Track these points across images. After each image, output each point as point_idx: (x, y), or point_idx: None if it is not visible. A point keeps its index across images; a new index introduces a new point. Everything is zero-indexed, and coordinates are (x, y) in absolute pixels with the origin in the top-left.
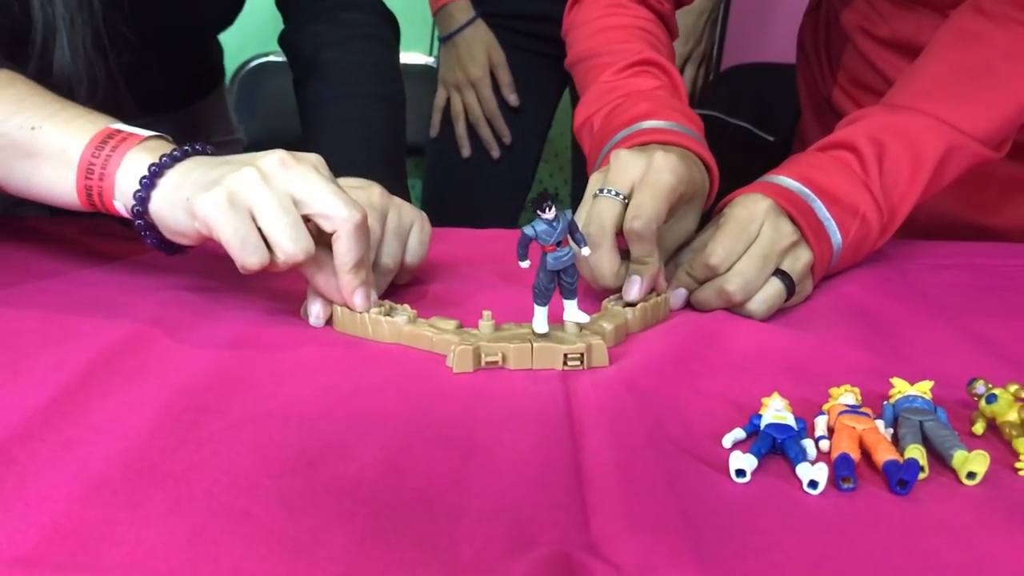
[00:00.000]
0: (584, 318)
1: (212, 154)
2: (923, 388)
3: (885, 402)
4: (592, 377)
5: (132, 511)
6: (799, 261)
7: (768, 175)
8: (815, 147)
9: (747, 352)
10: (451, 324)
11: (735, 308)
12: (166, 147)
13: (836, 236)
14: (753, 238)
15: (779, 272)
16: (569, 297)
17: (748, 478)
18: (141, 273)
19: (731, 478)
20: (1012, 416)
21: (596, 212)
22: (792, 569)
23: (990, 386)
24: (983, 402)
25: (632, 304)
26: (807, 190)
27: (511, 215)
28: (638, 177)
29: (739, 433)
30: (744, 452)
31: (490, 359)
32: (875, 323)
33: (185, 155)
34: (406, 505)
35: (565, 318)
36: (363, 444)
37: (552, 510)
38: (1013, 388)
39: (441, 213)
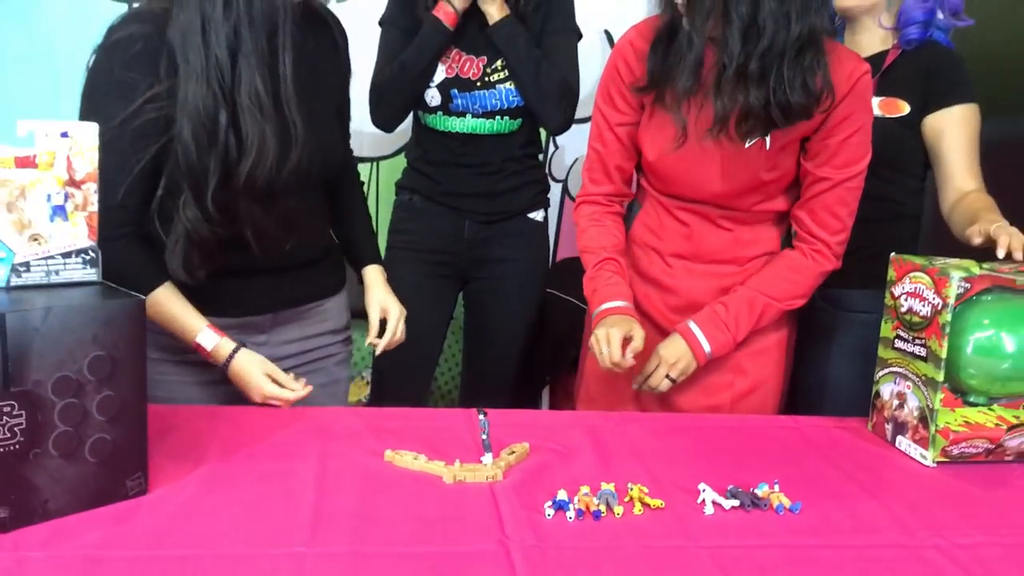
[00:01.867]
0: (490, 460)
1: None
2: (610, 486)
3: (599, 490)
4: (496, 484)
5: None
6: (680, 373)
7: (688, 321)
8: (712, 304)
9: (555, 474)
10: (441, 463)
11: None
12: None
13: (708, 349)
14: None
15: (669, 377)
16: (487, 451)
17: (551, 516)
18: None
19: (545, 515)
20: (635, 493)
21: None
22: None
23: (632, 485)
24: (630, 490)
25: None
26: (700, 331)
27: (422, 388)
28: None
29: (550, 503)
30: (551, 507)
31: (459, 478)
32: (612, 457)
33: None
34: (418, 537)
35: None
36: (406, 520)
37: (481, 529)
38: (638, 486)
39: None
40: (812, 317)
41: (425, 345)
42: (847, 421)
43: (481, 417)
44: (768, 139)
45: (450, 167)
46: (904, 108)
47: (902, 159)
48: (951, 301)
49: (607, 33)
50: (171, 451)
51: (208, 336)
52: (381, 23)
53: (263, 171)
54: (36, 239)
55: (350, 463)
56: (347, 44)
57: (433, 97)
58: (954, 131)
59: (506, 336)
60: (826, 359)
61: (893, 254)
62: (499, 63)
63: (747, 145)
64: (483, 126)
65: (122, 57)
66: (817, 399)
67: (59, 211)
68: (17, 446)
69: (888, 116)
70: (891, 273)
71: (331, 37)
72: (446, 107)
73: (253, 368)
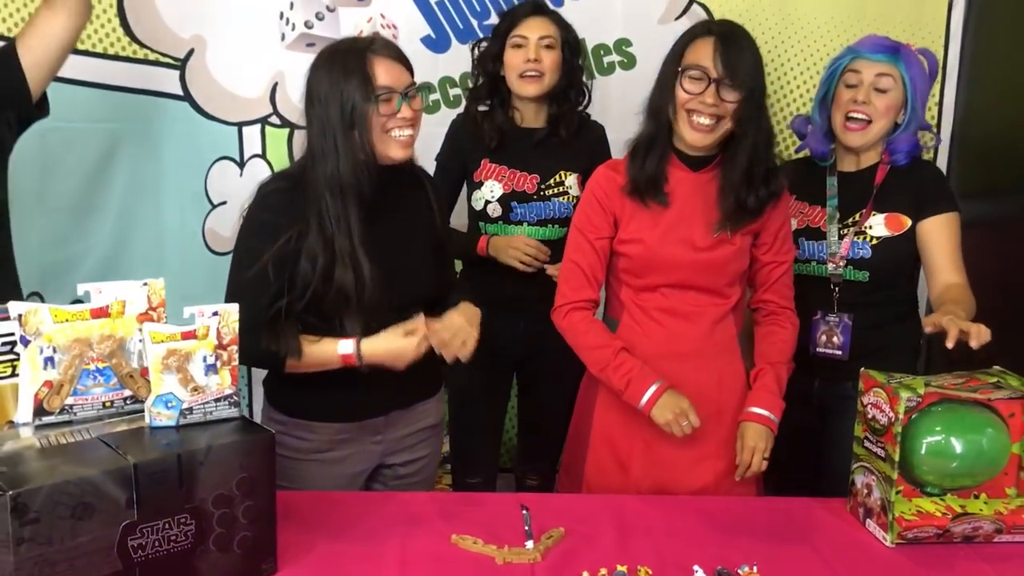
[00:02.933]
0: (531, 545)
1: None
2: (623, 567)
3: (615, 571)
4: (536, 564)
5: None
6: (768, 450)
7: (749, 408)
8: (754, 386)
9: (582, 556)
10: (494, 547)
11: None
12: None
13: (775, 418)
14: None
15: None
16: (529, 538)
17: None
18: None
19: None
20: (642, 574)
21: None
22: None
23: (641, 568)
24: (638, 571)
25: None
26: (763, 410)
27: (492, 454)
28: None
29: None
30: None
31: (507, 560)
32: (630, 539)
33: None
34: None
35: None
36: None
37: None
38: (645, 568)
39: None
40: (847, 405)
41: (490, 421)
42: (830, 502)
43: (524, 512)
44: (730, 231)
45: (506, 272)
46: (907, 223)
47: (908, 267)
48: (901, 415)
49: None
50: (294, 531)
51: (345, 345)
52: (436, 160)
53: (358, 299)
54: (196, 390)
55: (425, 545)
56: (438, 191)
57: (495, 210)
58: (943, 235)
59: (552, 411)
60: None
61: (862, 369)
62: (552, 180)
63: (715, 235)
64: (537, 233)
65: (268, 205)
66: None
67: (211, 368)
68: (189, 545)
69: (896, 234)
70: (860, 385)
71: (424, 190)
72: (506, 217)
73: (388, 338)
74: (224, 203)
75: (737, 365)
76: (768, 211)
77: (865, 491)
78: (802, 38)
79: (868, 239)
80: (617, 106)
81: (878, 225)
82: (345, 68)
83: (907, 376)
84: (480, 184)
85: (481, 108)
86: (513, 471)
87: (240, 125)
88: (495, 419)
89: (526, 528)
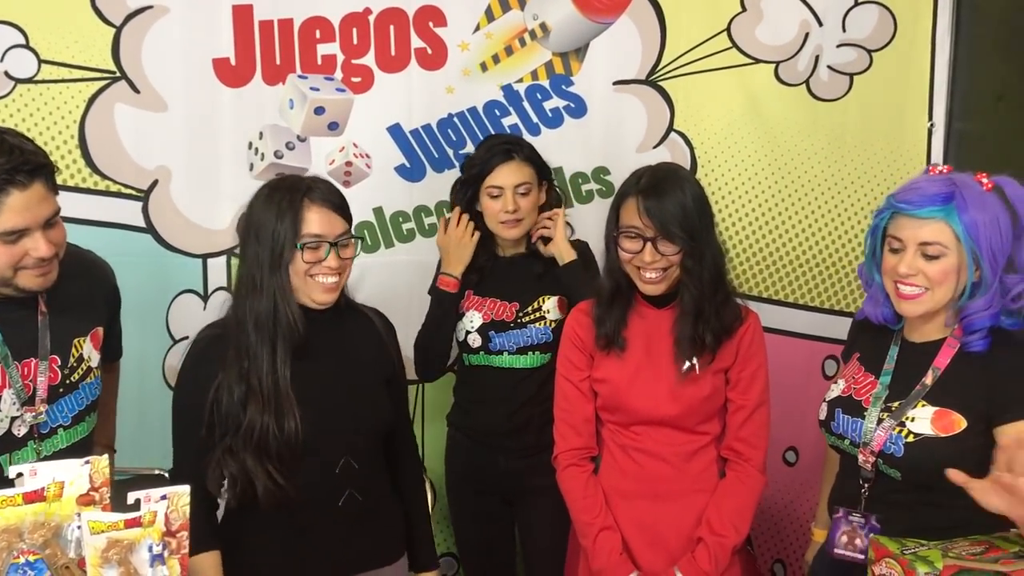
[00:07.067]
0: None
1: None
2: None
3: None
4: None
5: None
6: None
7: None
8: (693, 556)
9: None
10: None
11: None
12: None
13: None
14: None
15: None
16: None
17: None
18: None
19: None
20: None
21: None
22: None
23: None
24: None
25: None
26: None
27: None
28: None
29: None
30: None
31: None
32: None
33: None
34: None
35: None
36: None
37: None
38: None
39: None
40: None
41: (501, 551)
42: None
43: None
44: (696, 365)
45: (488, 404)
46: (960, 424)
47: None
48: None
49: None
50: None
51: None
52: (429, 293)
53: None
54: None
55: None
56: (392, 330)
57: (475, 340)
58: None
59: (548, 556)
60: None
61: (872, 535)
62: (529, 308)
63: (684, 369)
64: (518, 361)
65: (198, 354)
66: None
67: (158, 558)
68: None
69: (941, 435)
70: (871, 553)
71: (373, 327)
72: (486, 347)
73: None
74: (185, 338)
75: None
76: (730, 346)
77: None
78: (784, 164)
79: (904, 433)
80: (596, 234)
81: (922, 420)
82: (279, 208)
83: (921, 544)
84: (462, 315)
85: None
86: None
87: (205, 257)
88: (497, 550)
89: None
